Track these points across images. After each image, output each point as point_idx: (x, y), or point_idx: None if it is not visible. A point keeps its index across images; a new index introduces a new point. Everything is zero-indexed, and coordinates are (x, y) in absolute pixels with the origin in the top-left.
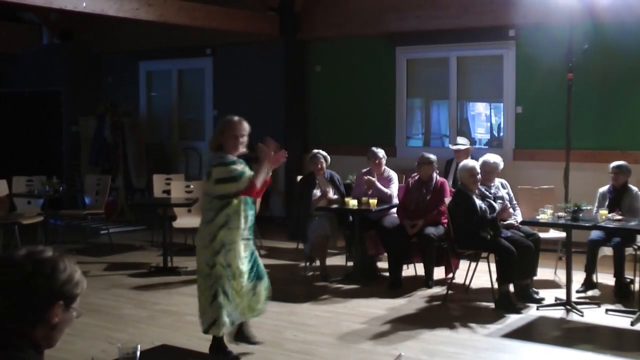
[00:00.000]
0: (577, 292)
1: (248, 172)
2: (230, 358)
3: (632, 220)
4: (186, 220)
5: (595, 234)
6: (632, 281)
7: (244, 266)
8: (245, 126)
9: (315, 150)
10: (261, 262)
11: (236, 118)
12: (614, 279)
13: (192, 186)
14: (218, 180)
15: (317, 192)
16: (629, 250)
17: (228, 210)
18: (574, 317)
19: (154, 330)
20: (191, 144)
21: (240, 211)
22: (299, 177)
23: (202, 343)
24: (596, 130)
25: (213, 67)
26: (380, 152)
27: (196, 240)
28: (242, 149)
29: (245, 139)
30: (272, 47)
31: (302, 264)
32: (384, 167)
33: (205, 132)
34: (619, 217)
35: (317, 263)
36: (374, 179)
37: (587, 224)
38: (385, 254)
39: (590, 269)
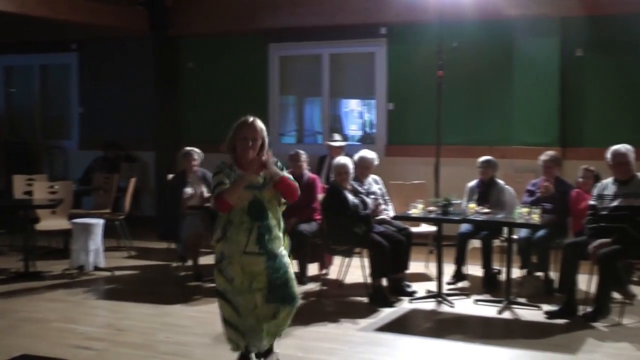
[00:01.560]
0: (448, 284)
1: (224, 185)
2: None
3: (499, 213)
4: (50, 222)
5: (464, 227)
6: (500, 272)
7: (255, 283)
8: (257, 128)
9: (188, 148)
10: (295, 286)
11: (250, 119)
12: (483, 270)
13: (56, 187)
14: (212, 189)
15: (188, 191)
16: (496, 242)
17: (222, 220)
18: (445, 308)
19: (14, 340)
20: (56, 142)
21: (237, 222)
22: (170, 176)
23: (68, 350)
24: (465, 126)
25: (79, 62)
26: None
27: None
28: (254, 153)
29: (257, 142)
30: (141, 43)
31: (175, 264)
32: None
33: (71, 130)
34: (487, 211)
35: (190, 263)
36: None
37: (456, 218)
38: None
39: (460, 261)
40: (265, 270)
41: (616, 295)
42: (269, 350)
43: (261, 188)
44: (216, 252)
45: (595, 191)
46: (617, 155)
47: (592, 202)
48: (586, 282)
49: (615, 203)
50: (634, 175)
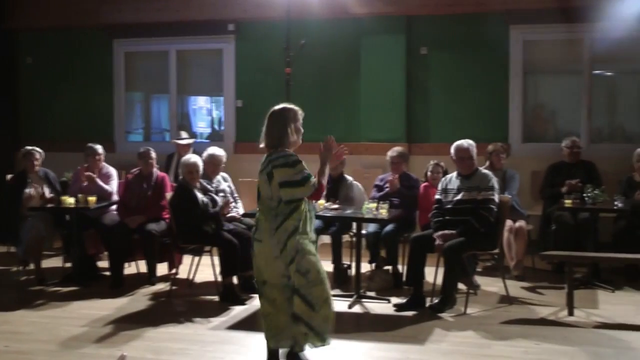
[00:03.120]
0: None
1: (312, 175)
2: None
3: (348, 209)
4: None
5: (314, 223)
6: (349, 267)
7: (323, 271)
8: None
9: (29, 147)
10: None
11: (295, 106)
12: (332, 266)
13: None
14: (282, 184)
15: (29, 191)
16: (345, 238)
17: (297, 214)
18: None
19: None
20: None
21: (307, 214)
22: (9, 176)
23: None
24: (314, 123)
25: None
26: (99, 148)
27: (257, 251)
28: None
29: None
30: None
31: (15, 268)
32: (102, 163)
33: None
34: (336, 206)
35: (32, 266)
36: (95, 175)
37: None
38: (106, 253)
39: None
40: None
41: (461, 286)
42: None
43: None
44: (289, 246)
45: (440, 186)
46: (460, 150)
47: (437, 197)
48: (433, 274)
49: (459, 197)
50: (476, 170)
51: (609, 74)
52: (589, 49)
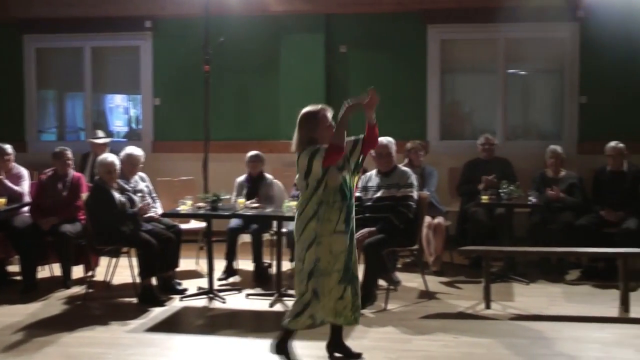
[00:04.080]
0: (219, 279)
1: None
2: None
3: (269, 207)
4: None
5: (234, 222)
6: (270, 265)
7: (338, 263)
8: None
9: None
10: (357, 265)
11: (319, 107)
12: (253, 265)
13: None
14: (306, 166)
15: None
16: (266, 236)
17: (315, 199)
18: (216, 304)
19: None
20: None
21: (330, 201)
22: None
23: None
24: (234, 121)
25: None
26: (8, 148)
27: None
28: None
29: None
30: None
31: None
32: (12, 163)
33: None
34: (256, 205)
35: None
36: (2, 176)
37: (226, 213)
38: (17, 257)
39: (230, 257)
40: (346, 250)
41: (382, 282)
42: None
43: (352, 171)
44: (306, 232)
45: (360, 183)
46: (379, 147)
47: (357, 194)
48: None
49: (378, 194)
50: (395, 167)
51: (523, 73)
52: (503, 48)
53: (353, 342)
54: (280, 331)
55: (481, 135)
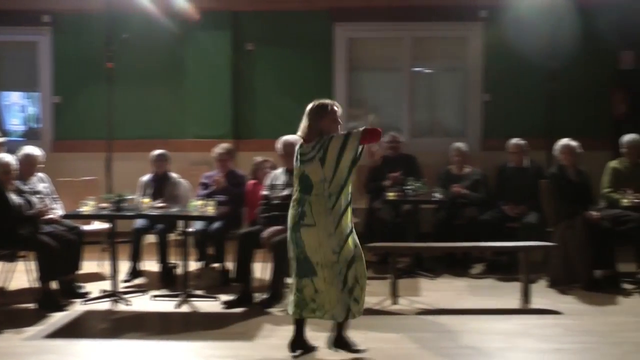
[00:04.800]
0: (124, 281)
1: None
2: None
3: (174, 207)
4: None
5: (139, 223)
6: (176, 265)
7: (331, 256)
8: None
9: None
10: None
11: (331, 102)
12: (159, 265)
13: None
14: (337, 154)
15: None
16: (172, 236)
17: (347, 190)
18: (121, 307)
19: None
20: None
21: (320, 195)
22: None
23: None
24: (138, 120)
25: None
26: None
27: (307, 235)
28: None
29: None
30: None
31: None
32: None
33: None
34: (162, 205)
35: None
36: None
37: (130, 213)
38: None
39: (135, 258)
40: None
41: (290, 280)
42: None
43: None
44: (343, 224)
45: (267, 181)
46: (286, 145)
47: (264, 192)
48: (261, 269)
49: (286, 192)
50: None
51: (428, 71)
52: (409, 47)
53: (261, 340)
54: (334, 326)
55: (387, 134)
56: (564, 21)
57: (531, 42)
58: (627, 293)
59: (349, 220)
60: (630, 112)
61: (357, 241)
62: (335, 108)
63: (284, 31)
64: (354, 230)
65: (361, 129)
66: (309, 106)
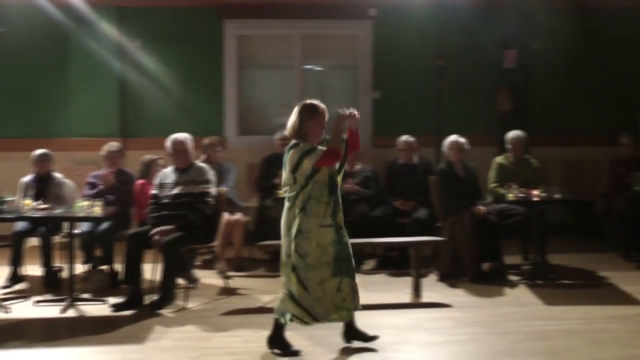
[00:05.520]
0: (3, 287)
1: (318, 148)
2: (290, 352)
3: (59, 208)
4: None
5: (20, 226)
6: (61, 269)
7: (326, 256)
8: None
9: None
10: (352, 258)
11: (322, 105)
12: (43, 269)
13: None
14: (295, 163)
15: None
16: (57, 239)
17: (303, 195)
18: (0, 315)
19: None
20: None
21: (318, 196)
22: None
23: None
24: (19, 118)
25: None
26: None
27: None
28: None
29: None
30: None
31: None
32: None
33: None
34: (45, 206)
35: None
36: None
37: (10, 216)
38: None
39: (16, 262)
40: (332, 242)
41: (181, 280)
42: (351, 325)
43: (338, 168)
44: (293, 227)
45: (156, 180)
46: (176, 143)
47: (154, 191)
48: (151, 270)
49: (176, 191)
50: (192, 163)
51: (319, 69)
52: (299, 44)
53: (152, 343)
54: (274, 326)
55: (278, 131)
56: (452, 20)
57: (419, 39)
58: (512, 284)
59: (301, 224)
60: (513, 109)
61: (311, 249)
62: (325, 113)
63: (172, 28)
64: (312, 237)
65: (321, 149)
66: (300, 104)
